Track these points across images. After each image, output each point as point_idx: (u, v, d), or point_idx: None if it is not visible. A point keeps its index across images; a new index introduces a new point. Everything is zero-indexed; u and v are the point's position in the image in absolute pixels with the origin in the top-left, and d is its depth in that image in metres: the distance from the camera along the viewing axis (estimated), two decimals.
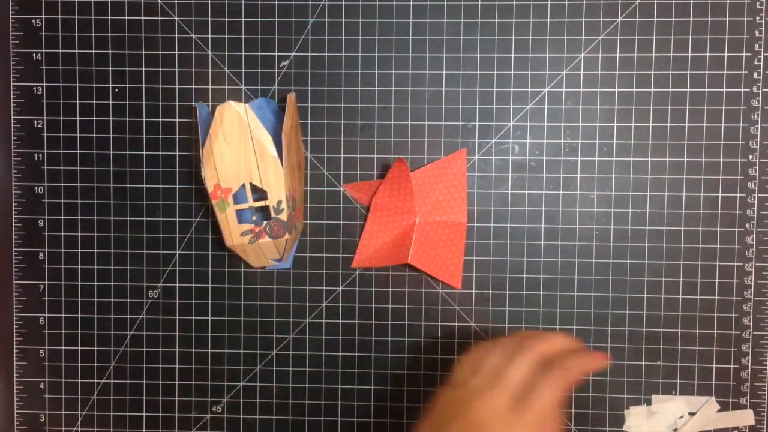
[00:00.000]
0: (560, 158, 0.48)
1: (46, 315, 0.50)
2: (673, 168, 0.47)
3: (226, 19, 0.48)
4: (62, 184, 0.49)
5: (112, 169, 0.49)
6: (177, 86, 0.49)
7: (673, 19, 0.47)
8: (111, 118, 0.49)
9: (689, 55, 0.47)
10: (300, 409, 0.50)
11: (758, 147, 0.47)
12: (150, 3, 0.48)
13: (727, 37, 0.47)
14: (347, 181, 0.49)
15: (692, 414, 0.48)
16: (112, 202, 0.49)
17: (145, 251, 0.49)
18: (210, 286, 0.49)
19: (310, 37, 0.48)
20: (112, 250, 0.50)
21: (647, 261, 0.48)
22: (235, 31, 0.48)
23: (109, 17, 0.49)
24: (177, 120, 0.49)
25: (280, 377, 0.50)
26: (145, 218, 0.49)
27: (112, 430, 0.50)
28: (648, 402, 0.48)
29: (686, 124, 0.47)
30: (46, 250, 0.50)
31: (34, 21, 0.49)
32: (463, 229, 0.48)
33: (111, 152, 0.49)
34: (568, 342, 0.39)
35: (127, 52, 0.49)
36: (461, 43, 0.48)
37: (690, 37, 0.47)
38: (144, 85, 0.49)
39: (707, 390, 0.48)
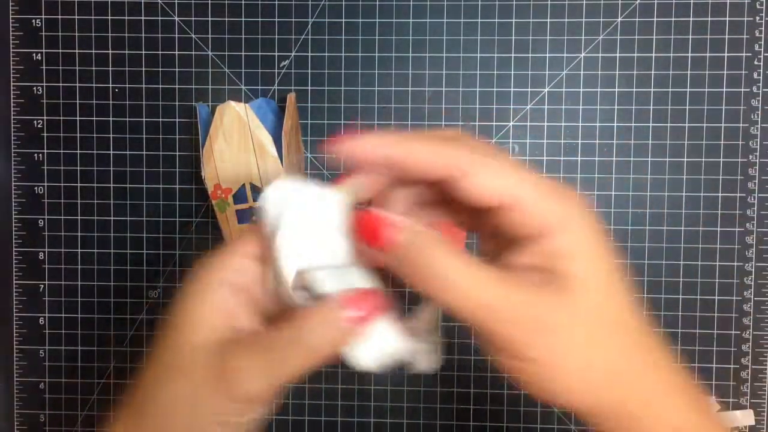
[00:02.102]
0: (560, 158, 0.48)
1: (46, 315, 0.50)
2: (673, 168, 0.47)
3: (226, 19, 0.48)
4: (62, 184, 0.49)
5: (112, 169, 0.49)
6: (177, 86, 0.49)
7: (673, 19, 0.47)
8: (111, 118, 0.49)
9: (689, 55, 0.47)
10: (300, 409, 0.50)
11: (758, 147, 0.47)
12: (150, 3, 0.48)
13: (727, 37, 0.47)
14: None
15: None
16: (112, 202, 0.49)
17: (145, 251, 0.49)
18: None
19: (310, 37, 0.48)
20: (112, 250, 0.50)
21: (647, 261, 0.48)
22: (235, 31, 0.48)
23: (109, 17, 0.49)
24: (177, 120, 0.49)
25: None
26: (145, 218, 0.49)
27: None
28: None
29: (686, 124, 0.47)
30: (46, 250, 0.50)
31: (34, 21, 0.49)
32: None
33: (111, 152, 0.49)
34: None
35: (127, 52, 0.49)
36: (461, 43, 0.48)
37: (690, 37, 0.47)
38: (144, 85, 0.49)
39: (707, 390, 0.48)
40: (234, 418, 0.27)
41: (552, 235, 0.25)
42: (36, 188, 0.49)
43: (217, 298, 0.28)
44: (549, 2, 0.47)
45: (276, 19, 0.48)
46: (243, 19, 0.48)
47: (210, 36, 0.48)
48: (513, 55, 0.48)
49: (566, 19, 0.47)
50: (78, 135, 0.49)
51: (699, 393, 0.27)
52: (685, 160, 0.47)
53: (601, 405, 0.26)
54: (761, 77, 0.47)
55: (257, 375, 0.26)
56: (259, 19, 0.48)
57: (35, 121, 0.49)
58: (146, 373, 0.29)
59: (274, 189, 0.27)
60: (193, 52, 0.48)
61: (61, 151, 0.49)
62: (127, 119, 0.49)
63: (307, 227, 0.27)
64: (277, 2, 0.48)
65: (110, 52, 0.49)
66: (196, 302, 0.28)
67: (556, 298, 0.25)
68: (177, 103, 0.49)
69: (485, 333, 0.25)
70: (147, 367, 0.29)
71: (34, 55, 0.49)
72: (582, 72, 0.47)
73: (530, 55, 0.47)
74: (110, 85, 0.49)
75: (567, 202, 0.26)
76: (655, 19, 0.47)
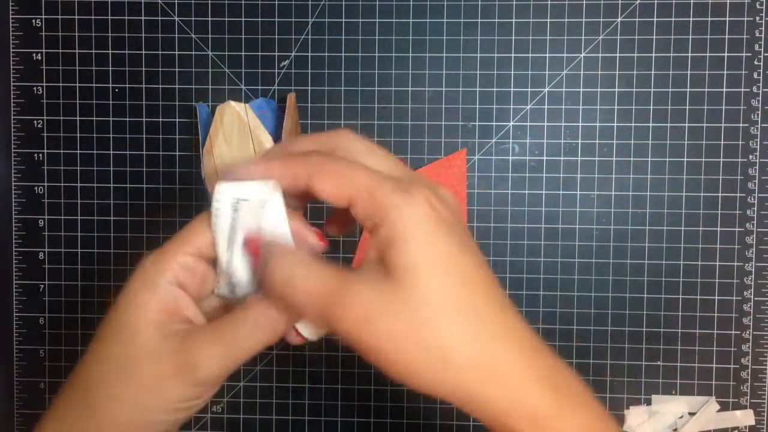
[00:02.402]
0: (560, 158, 0.48)
1: (46, 315, 0.50)
2: (673, 168, 0.47)
3: (226, 19, 0.48)
4: (62, 184, 0.49)
5: (112, 169, 0.49)
6: (177, 86, 0.49)
7: (673, 19, 0.47)
8: (111, 118, 0.49)
9: (689, 55, 0.47)
10: (300, 409, 0.50)
11: (758, 147, 0.47)
12: (150, 3, 0.48)
13: (727, 37, 0.47)
14: None
15: (692, 414, 0.48)
16: (112, 202, 0.49)
17: (145, 251, 0.49)
18: None
19: (310, 37, 0.48)
20: (112, 250, 0.49)
21: (647, 261, 0.48)
22: (235, 31, 0.48)
23: (109, 17, 0.49)
24: (177, 120, 0.49)
25: (280, 377, 0.50)
26: (145, 218, 0.49)
27: None
28: (648, 402, 0.48)
29: (686, 124, 0.47)
30: (46, 250, 0.50)
31: (34, 21, 0.49)
32: None
33: (111, 152, 0.49)
34: None
35: (127, 52, 0.49)
36: (461, 43, 0.48)
37: (690, 37, 0.47)
38: (144, 85, 0.49)
39: (707, 390, 0.48)
40: (194, 402, 0.28)
41: (381, 226, 0.26)
42: (36, 188, 0.49)
43: (164, 295, 0.29)
44: (549, 2, 0.47)
45: (276, 19, 0.48)
46: (243, 19, 0.48)
47: (210, 36, 0.48)
48: (513, 55, 0.48)
49: (566, 19, 0.47)
50: (78, 135, 0.49)
51: (571, 378, 0.27)
52: (685, 160, 0.47)
53: (466, 394, 0.25)
54: (761, 77, 0.47)
55: (218, 358, 0.27)
56: (259, 19, 0.48)
57: (35, 121, 0.49)
58: (84, 371, 0.30)
59: (224, 191, 0.29)
60: (193, 52, 0.48)
61: (61, 151, 0.49)
62: (127, 119, 0.49)
63: (260, 223, 0.29)
64: (277, 2, 0.48)
65: (110, 52, 0.49)
66: (143, 299, 0.29)
67: (388, 289, 0.25)
68: (177, 103, 0.49)
69: (340, 335, 0.26)
70: (85, 366, 0.30)
71: (34, 55, 0.49)
72: (582, 72, 0.47)
73: (530, 55, 0.47)
74: (110, 85, 0.49)
75: (397, 191, 0.26)
76: (655, 19, 0.47)
